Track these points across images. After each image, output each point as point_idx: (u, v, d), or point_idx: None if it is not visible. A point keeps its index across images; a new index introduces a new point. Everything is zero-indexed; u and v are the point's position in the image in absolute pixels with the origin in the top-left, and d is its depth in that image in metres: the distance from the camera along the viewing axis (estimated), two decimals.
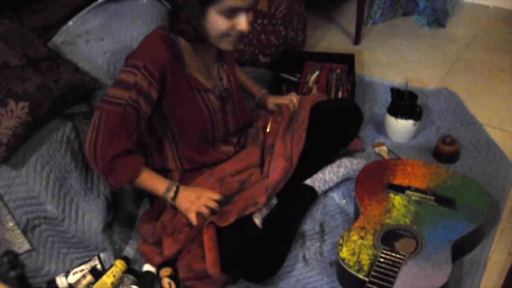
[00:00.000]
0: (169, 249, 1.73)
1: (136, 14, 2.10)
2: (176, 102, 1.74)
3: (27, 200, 1.71)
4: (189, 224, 1.71)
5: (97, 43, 1.98)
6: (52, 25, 2.02)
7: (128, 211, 2.02)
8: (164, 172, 1.83)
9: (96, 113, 1.65)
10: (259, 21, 2.50)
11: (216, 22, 1.59)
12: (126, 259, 1.83)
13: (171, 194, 1.72)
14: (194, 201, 1.71)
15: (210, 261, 1.62)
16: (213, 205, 1.70)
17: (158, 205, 1.85)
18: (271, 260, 1.75)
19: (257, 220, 1.78)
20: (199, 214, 1.69)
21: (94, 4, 2.07)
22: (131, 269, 1.82)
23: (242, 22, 1.60)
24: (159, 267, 1.79)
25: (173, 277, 1.77)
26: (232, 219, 1.67)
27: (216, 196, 1.73)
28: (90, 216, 1.81)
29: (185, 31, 1.64)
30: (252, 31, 2.53)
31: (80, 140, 1.85)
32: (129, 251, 1.91)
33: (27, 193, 1.70)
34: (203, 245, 1.66)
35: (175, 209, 1.75)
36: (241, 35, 1.66)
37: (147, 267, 1.80)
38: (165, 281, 1.75)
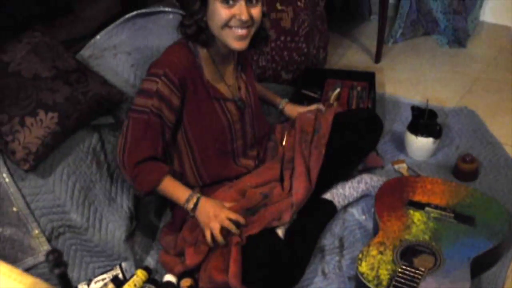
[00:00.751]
0: (191, 259, 1.75)
1: (162, 29, 2.16)
2: (195, 110, 1.78)
3: (53, 208, 1.75)
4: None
5: (124, 56, 2.04)
6: (78, 40, 2.09)
7: (149, 222, 2.05)
8: None
9: (125, 121, 1.73)
10: (282, 38, 2.55)
11: (217, 11, 1.64)
12: (147, 269, 1.85)
13: (191, 205, 1.74)
14: (212, 218, 1.71)
15: (233, 274, 1.64)
16: (227, 225, 1.70)
17: (179, 217, 1.88)
18: (291, 272, 1.77)
19: (280, 232, 1.80)
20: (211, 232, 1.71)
21: (121, 19, 2.14)
22: (152, 279, 1.84)
23: (240, 10, 1.63)
24: (179, 277, 1.82)
25: (194, 287, 1.79)
26: (255, 230, 1.70)
27: (233, 216, 1.72)
28: (114, 225, 1.84)
29: (189, 30, 1.70)
30: (275, 48, 2.57)
31: (105, 151, 1.89)
32: (150, 261, 1.94)
33: (53, 201, 1.74)
34: (224, 257, 1.69)
35: (195, 219, 1.78)
36: (247, 29, 1.68)
37: (168, 277, 1.82)
38: None
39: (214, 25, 1.68)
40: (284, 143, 2.06)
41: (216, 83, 1.82)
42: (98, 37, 2.09)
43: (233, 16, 1.64)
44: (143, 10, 2.19)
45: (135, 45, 2.09)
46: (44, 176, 1.73)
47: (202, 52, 1.77)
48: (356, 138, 2.03)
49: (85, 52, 2.04)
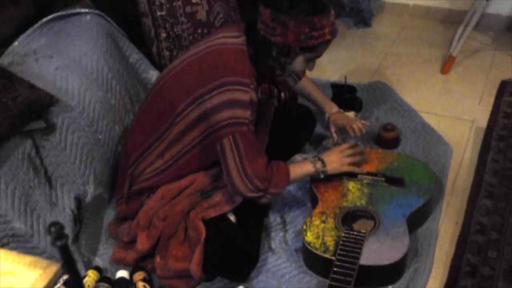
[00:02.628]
0: (142, 243, 1.79)
1: (81, 30, 2.14)
2: None
3: None
4: (164, 219, 1.78)
5: (46, 60, 2.01)
6: None
7: (92, 223, 2.04)
8: (142, 192, 1.89)
9: (225, 141, 1.69)
10: (199, 30, 2.58)
11: (300, 64, 1.75)
12: (97, 269, 1.85)
13: (320, 167, 1.89)
14: (343, 164, 1.94)
15: (196, 261, 1.70)
16: (351, 162, 1.96)
17: (135, 203, 1.89)
18: (247, 254, 1.82)
19: (232, 218, 1.86)
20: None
21: (38, 23, 2.10)
22: (104, 277, 1.84)
23: (313, 66, 1.83)
24: (132, 271, 1.83)
25: (147, 280, 1.81)
26: (212, 214, 1.79)
27: (351, 158, 1.98)
28: None
29: (271, 66, 1.74)
30: (192, 41, 2.60)
31: (40, 156, 1.85)
32: (99, 261, 1.93)
33: None
34: (183, 247, 1.75)
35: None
36: None
37: (120, 273, 1.83)
38: (140, 284, 1.79)
39: (290, 70, 1.78)
40: None
41: None
42: (16, 43, 2.05)
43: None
44: (59, 13, 2.16)
45: (56, 48, 2.06)
46: None
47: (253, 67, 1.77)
48: (291, 132, 2.17)
49: (5, 60, 2.00)
